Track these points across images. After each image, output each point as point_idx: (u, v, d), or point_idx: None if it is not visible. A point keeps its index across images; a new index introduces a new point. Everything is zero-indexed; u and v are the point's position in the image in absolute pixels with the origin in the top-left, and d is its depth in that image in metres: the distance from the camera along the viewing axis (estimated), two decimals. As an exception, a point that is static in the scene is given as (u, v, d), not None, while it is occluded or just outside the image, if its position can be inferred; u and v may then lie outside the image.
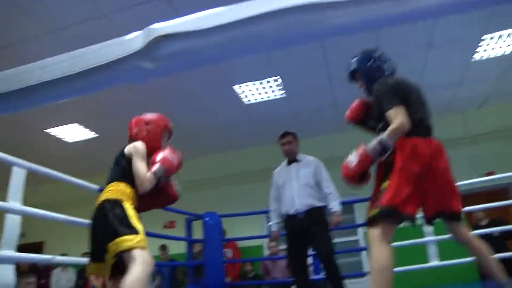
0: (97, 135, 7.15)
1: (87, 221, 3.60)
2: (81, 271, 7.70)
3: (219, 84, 5.85)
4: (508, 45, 5.53)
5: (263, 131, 7.53)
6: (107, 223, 2.13)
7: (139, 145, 2.43)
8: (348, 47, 5.18)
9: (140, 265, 1.98)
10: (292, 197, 3.61)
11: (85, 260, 4.63)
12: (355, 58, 2.50)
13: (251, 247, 7.21)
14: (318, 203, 3.58)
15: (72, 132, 7.00)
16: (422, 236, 4.66)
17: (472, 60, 5.79)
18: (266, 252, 6.93)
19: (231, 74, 5.61)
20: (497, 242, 5.42)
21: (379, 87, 2.27)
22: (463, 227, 2.28)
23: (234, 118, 6.96)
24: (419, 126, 2.21)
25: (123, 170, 2.42)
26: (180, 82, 5.71)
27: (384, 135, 2.12)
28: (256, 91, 6.14)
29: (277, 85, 6.01)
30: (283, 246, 6.75)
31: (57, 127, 6.75)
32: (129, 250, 2.02)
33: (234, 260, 6.52)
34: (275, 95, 6.31)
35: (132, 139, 2.56)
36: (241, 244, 6.94)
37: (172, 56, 0.58)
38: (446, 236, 4.91)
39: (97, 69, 0.60)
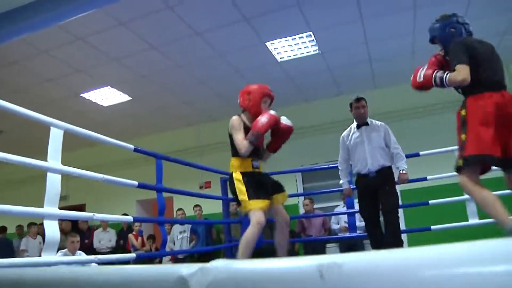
0: (130, 98, 7.19)
1: (124, 180, 3.70)
2: (121, 231, 7.96)
3: (251, 42, 5.71)
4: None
5: (298, 89, 7.41)
6: (233, 191, 3.13)
7: (233, 121, 3.13)
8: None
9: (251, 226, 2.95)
10: (365, 159, 3.87)
11: (125, 218, 4.78)
12: (434, 25, 2.83)
13: (287, 206, 7.22)
14: (387, 163, 3.87)
15: (106, 96, 7.07)
16: (461, 194, 4.55)
17: None
18: (301, 211, 6.95)
19: (262, 30, 5.46)
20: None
21: (451, 48, 2.63)
22: None
23: (267, 76, 6.84)
24: (489, 81, 2.53)
25: (231, 146, 3.18)
26: (211, 42, 5.63)
27: (447, 77, 2.56)
28: (289, 48, 5.97)
29: (310, 41, 5.83)
30: (319, 205, 6.80)
31: (91, 91, 6.84)
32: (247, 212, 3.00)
33: (269, 218, 6.55)
34: (308, 52, 6.13)
35: (240, 106, 3.24)
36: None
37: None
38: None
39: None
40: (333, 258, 0.39)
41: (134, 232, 7.48)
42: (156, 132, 8.97)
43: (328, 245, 6.60)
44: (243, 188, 3.01)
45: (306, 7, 5.02)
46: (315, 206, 6.56)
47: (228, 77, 6.70)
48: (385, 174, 3.82)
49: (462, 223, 4.46)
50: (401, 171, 3.87)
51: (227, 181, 5.57)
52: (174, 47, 5.67)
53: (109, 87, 6.73)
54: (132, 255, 4.41)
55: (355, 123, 4.05)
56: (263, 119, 3.00)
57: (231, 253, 5.85)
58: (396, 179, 3.93)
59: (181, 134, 8.90)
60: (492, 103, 2.45)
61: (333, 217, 6.34)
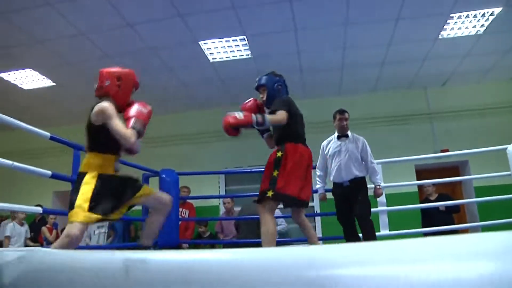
0: (54, 83, 6.84)
1: (36, 169, 3.50)
2: (33, 223, 7.52)
3: (184, 39, 5.65)
4: (474, 26, 5.57)
5: (227, 91, 7.41)
6: (75, 189, 2.46)
7: (105, 108, 2.47)
8: (316, 12, 5.16)
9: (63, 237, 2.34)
10: (340, 169, 4.17)
11: (35, 209, 4.52)
12: (265, 76, 3.36)
13: (208, 207, 7.22)
14: (360, 174, 4.17)
15: (28, 79, 6.66)
16: (376, 205, 4.81)
17: (439, 38, 5.81)
18: (222, 210, 6.92)
19: (196, 29, 5.43)
20: (444, 216, 5.66)
21: (278, 100, 3.18)
22: (303, 212, 3.27)
23: (198, 75, 6.78)
24: (301, 137, 3.20)
25: (91, 140, 2.59)
26: (142, 35, 5.51)
27: (269, 117, 3.02)
28: (222, 49, 5.98)
29: (243, 45, 5.89)
30: (239, 207, 6.83)
31: (11, 72, 6.41)
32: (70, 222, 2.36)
33: (187, 218, 6.48)
34: (241, 55, 6.17)
35: (102, 91, 2.63)
36: (199, 203, 6.91)
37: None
38: (397, 207, 5.11)
39: None
40: (139, 255, 0.41)
41: (48, 225, 7.12)
42: (81, 122, 8.59)
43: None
44: (89, 194, 2.40)
45: (242, 11, 5.06)
46: (237, 207, 6.59)
47: (158, 72, 6.57)
48: (357, 184, 4.12)
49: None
50: (377, 186, 4.22)
51: (149, 178, 5.53)
52: (104, 36, 5.47)
53: (31, 69, 6.36)
54: (38, 248, 4.18)
55: (336, 134, 4.33)
56: (143, 109, 2.59)
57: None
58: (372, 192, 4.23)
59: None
60: (305, 153, 3.10)
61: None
